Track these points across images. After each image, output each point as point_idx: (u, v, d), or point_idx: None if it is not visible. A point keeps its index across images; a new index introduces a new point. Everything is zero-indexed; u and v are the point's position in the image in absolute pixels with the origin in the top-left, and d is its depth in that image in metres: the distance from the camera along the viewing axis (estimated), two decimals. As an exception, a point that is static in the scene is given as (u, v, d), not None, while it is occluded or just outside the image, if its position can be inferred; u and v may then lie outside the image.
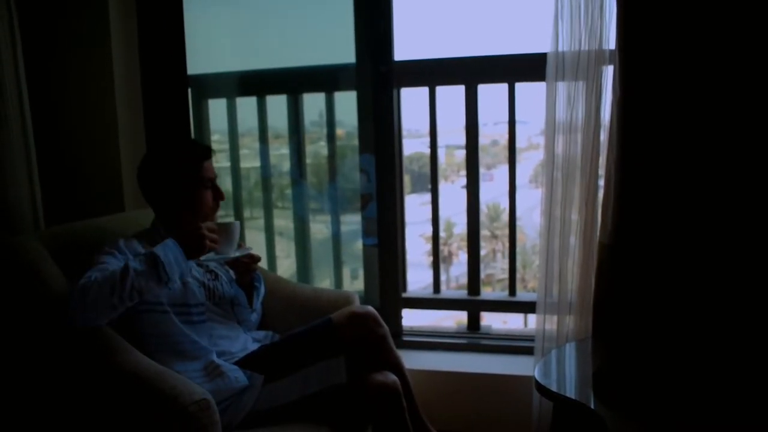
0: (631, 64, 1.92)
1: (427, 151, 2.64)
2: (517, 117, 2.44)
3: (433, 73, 2.49)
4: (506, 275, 2.60)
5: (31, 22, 2.27)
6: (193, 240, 1.68)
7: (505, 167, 2.51)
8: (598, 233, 2.08)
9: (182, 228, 1.75)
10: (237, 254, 1.88)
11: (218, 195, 1.92)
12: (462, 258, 2.72)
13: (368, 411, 1.78)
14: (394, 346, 1.94)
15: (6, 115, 2.01)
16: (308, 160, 2.75)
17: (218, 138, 2.79)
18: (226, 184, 2.67)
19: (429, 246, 2.69)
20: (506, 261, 2.60)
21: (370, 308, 1.94)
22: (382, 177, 2.49)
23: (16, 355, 1.73)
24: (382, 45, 2.40)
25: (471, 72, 2.43)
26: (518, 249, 2.55)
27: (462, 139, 2.49)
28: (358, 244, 2.65)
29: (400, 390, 1.77)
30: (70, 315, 1.57)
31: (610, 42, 1.98)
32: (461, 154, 2.51)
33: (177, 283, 1.67)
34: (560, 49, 2.02)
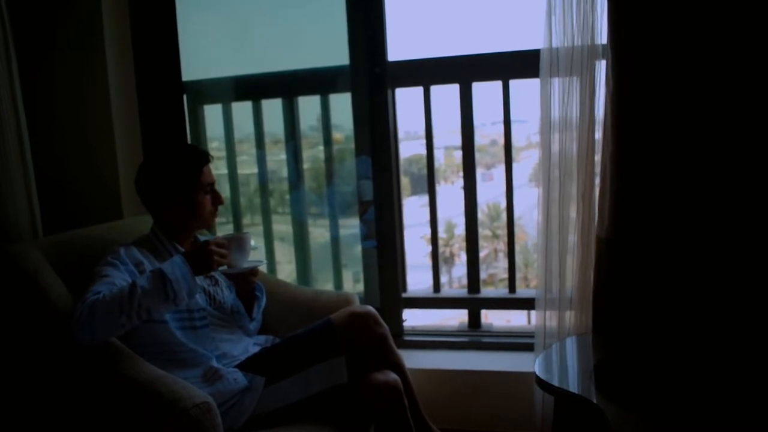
0: (623, 57, 1.92)
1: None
2: (516, 116, 2.43)
3: (426, 72, 2.49)
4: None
5: (24, 30, 2.28)
6: (201, 257, 1.68)
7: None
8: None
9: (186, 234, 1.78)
10: (249, 266, 1.89)
11: (217, 200, 1.93)
12: (464, 259, 2.71)
13: (370, 410, 1.78)
14: (395, 346, 1.94)
15: (1, 124, 2.01)
16: (308, 165, 2.75)
17: (216, 145, 2.80)
18: (224, 190, 2.68)
19: (431, 248, 2.69)
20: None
21: (370, 308, 1.93)
22: (379, 178, 2.48)
23: (16, 361, 1.74)
24: (376, 46, 2.40)
25: (464, 70, 2.43)
26: (520, 248, 2.56)
27: (460, 140, 2.49)
28: (359, 247, 2.65)
29: (401, 389, 1.77)
30: (76, 333, 1.55)
31: (603, 36, 1.98)
32: (460, 154, 2.50)
33: (185, 301, 1.66)
34: (553, 45, 2.02)
